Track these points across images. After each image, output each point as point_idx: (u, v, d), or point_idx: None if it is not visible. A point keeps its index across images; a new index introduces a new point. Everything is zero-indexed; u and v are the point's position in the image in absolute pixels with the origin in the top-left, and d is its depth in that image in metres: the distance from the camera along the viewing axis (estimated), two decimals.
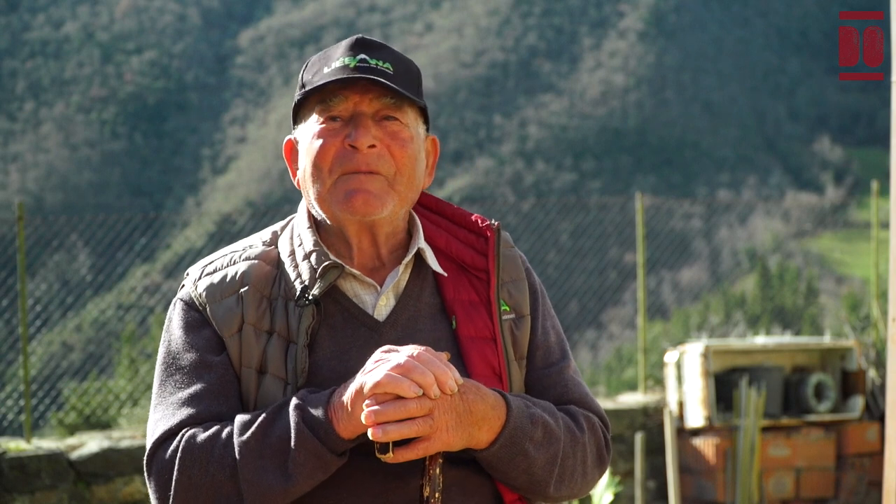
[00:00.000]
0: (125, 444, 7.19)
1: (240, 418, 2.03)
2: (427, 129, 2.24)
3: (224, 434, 2.02)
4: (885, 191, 6.05)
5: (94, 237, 10.94)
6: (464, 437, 2.00)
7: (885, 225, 5.94)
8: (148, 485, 2.08)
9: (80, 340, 18.19)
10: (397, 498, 2.04)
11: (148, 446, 2.09)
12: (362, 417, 1.93)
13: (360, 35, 2.20)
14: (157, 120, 64.04)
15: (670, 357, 8.49)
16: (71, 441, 7.33)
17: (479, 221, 2.24)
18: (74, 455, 7.05)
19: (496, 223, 2.22)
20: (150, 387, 10.03)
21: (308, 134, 2.17)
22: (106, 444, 7.16)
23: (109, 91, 65.46)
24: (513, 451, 2.05)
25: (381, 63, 2.15)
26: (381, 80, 2.11)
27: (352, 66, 2.13)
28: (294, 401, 2.01)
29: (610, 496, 5.24)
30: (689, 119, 65.96)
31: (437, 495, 2.00)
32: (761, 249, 26.75)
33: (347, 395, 1.98)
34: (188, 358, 2.11)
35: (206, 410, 2.07)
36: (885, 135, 3.42)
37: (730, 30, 72.33)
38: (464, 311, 2.17)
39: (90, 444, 7.17)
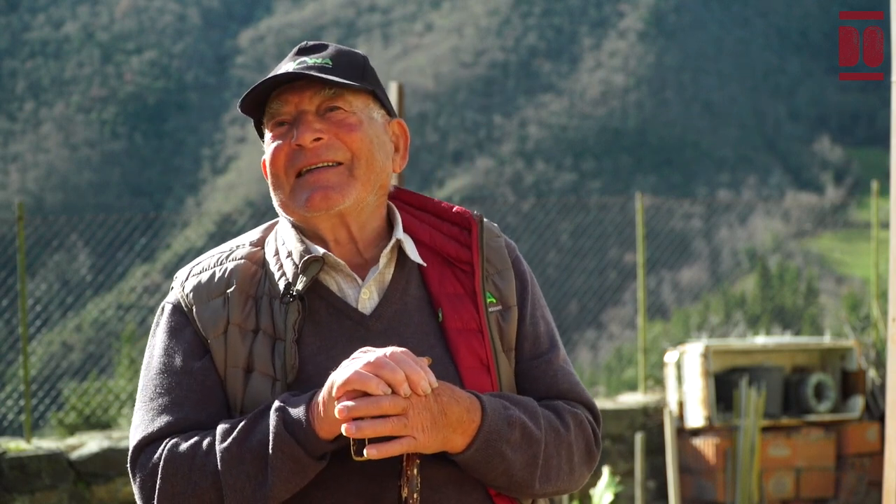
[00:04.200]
0: (125, 444, 7.18)
1: (221, 426, 2.03)
2: (389, 114, 2.23)
3: (206, 442, 2.02)
4: (885, 191, 6.05)
5: (94, 237, 10.94)
6: (438, 439, 1.99)
7: (885, 225, 5.93)
8: (133, 488, 2.09)
9: (80, 340, 18.19)
10: (382, 500, 2.03)
11: (129, 451, 2.10)
12: (335, 413, 1.93)
13: (304, 42, 2.21)
14: (157, 120, 64.05)
15: (670, 357, 8.49)
16: (71, 441, 7.32)
17: (462, 213, 2.23)
18: (74, 455, 7.05)
19: (478, 214, 2.22)
20: None
21: (265, 147, 2.19)
22: (106, 444, 7.16)
23: (109, 91, 65.47)
24: (489, 454, 2.04)
25: (318, 61, 2.15)
26: (312, 74, 2.12)
27: (291, 70, 2.14)
28: (276, 403, 2.01)
29: (610, 496, 5.24)
30: (689, 119, 65.97)
31: (415, 496, 1.99)
32: (761, 249, 26.77)
33: (321, 394, 1.98)
34: (170, 363, 2.12)
35: (185, 418, 2.07)
36: (885, 135, 3.42)
37: (730, 30, 72.32)
38: (450, 303, 2.16)
39: (90, 444, 7.16)
